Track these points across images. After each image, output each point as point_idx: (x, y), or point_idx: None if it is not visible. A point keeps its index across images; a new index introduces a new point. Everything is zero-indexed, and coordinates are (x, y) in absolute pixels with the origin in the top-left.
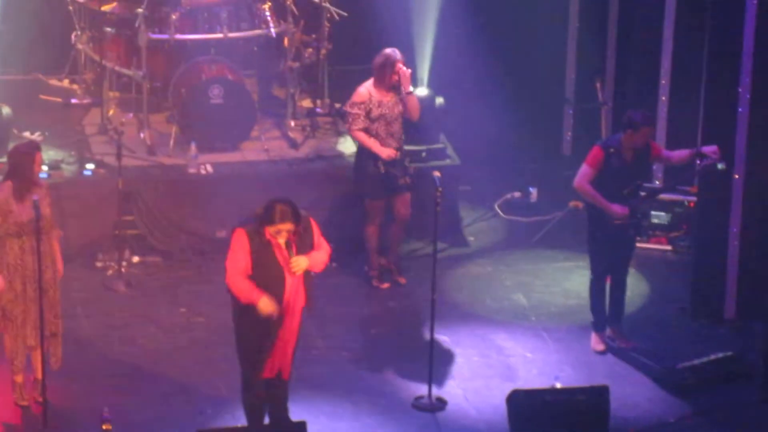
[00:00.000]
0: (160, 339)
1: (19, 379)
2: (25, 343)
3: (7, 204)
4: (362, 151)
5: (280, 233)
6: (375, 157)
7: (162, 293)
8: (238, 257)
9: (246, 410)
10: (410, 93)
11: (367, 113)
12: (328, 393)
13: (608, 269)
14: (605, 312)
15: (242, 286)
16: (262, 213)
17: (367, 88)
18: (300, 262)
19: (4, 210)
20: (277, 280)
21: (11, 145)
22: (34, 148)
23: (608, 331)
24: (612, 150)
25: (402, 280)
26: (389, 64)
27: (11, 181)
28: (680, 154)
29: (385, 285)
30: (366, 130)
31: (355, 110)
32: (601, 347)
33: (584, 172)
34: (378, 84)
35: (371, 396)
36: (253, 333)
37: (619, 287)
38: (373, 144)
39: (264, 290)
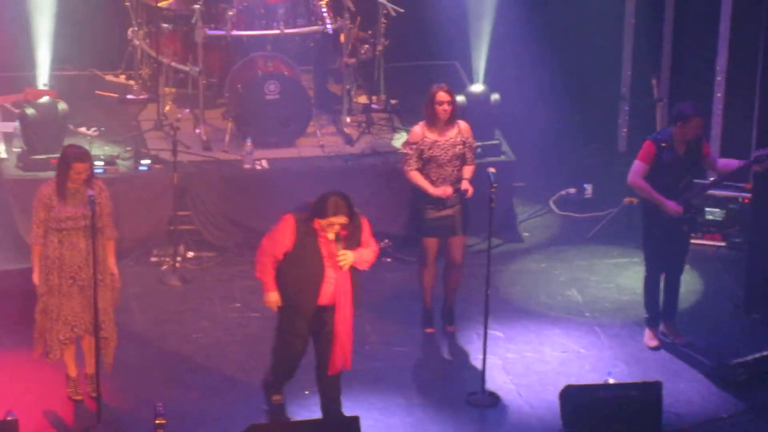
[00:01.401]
0: (214, 334)
1: (71, 373)
2: (57, 338)
3: (50, 199)
4: (416, 190)
5: (332, 226)
6: (428, 199)
7: (216, 288)
8: (277, 240)
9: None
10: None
11: (419, 154)
12: (381, 388)
13: (663, 265)
14: (659, 308)
15: (264, 269)
16: (316, 204)
17: (421, 127)
18: (347, 257)
19: (47, 204)
20: (316, 274)
21: (66, 141)
22: (76, 157)
23: (662, 327)
24: (664, 144)
25: (450, 329)
26: (429, 98)
27: (56, 179)
28: (728, 163)
29: (430, 330)
30: (420, 171)
31: (407, 150)
32: (654, 343)
33: (637, 167)
34: (429, 123)
35: (424, 391)
36: (290, 330)
37: (674, 284)
38: (425, 185)
39: (301, 282)
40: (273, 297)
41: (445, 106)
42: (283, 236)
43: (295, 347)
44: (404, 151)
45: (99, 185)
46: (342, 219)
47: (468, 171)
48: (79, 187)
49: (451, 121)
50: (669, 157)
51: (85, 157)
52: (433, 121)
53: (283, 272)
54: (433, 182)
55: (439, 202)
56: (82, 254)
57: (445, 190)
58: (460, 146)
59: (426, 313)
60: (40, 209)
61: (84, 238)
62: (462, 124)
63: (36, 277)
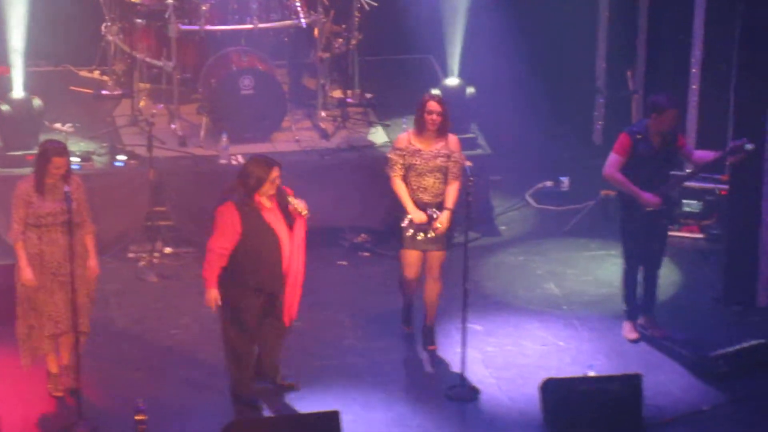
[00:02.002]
0: (193, 329)
1: (53, 369)
2: (43, 333)
3: (28, 195)
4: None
5: (274, 182)
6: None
7: (194, 283)
8: (227, 233)
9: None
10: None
11: (403, 161)
12: (362, 383)
13: (641, 258)
14: (637, 301)
15: (211, 268)
16: (246, 179)
17: (407, 134)
18: (299, 203)
19: (25, 201)
20: (274, 244)
21: (42, 137)
22: (55, 151)
23: (641, 320)
24: (639, 136)
25: (431, 348)
26: (419, 105)
27: (34, 174)
28: (704, 155)
29: (410, 329)
30: (404, 180)
31: (392, 155)
32: (633, 335)
33: (613, 160)
34: (417, 131)
35: (405, 386)
36: (245, 312)
37: (652, 277)
38: (405, 201)
39: (260, 258)
40: (213, 294)
41: (434, 117)
42: (231, 226)
43: (250, 326)
44: (389, 156)
45: (76, 180)
46: (277, 169)
47: (451, 192)
48: (57, 182)
49: (440, 133)
50: (644, 148)
51: (64, 151)
52: (420, 130)
53: (238, 259)
54: (413, 191)
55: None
56: (62, 250)
57: (420, 216)
58: (443, 158)
59: (406, 313)
60: (19, 206)
61: (63, 233)
62: (451, 138)
63: (27, 274)
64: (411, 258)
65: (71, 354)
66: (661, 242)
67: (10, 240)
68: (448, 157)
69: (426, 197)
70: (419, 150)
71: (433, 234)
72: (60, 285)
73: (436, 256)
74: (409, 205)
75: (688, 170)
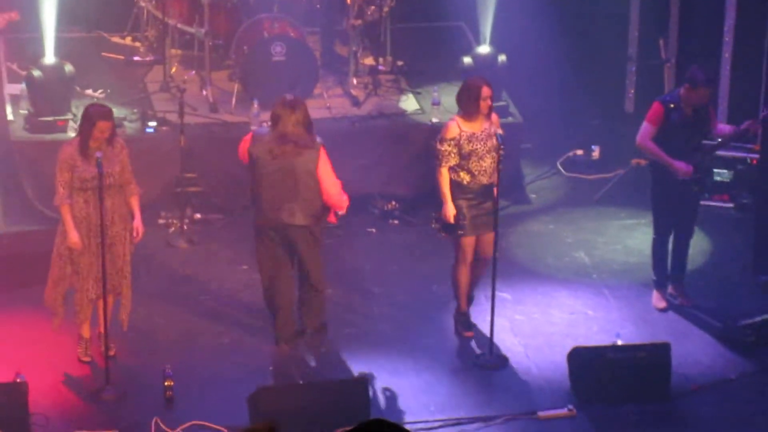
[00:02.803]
0: (222, 296)
1: (85, 333)
2: (88, 297)
3: (72, 159)
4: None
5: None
6: (463, 197)
7: (224, 250)
8: None
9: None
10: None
11: (459, 149)
12: (390, 350)
13: (671, 227)
14: (667, 270)
15: None
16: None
17: (456, 122)
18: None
19: (70, 165)
20: None
21: (74, 103)
22: (100, 115)
23: (670, 289)
24: (672, 105)
25: (468, 334)
26: (472, 92)
27: (79, 138)
28: (723, 129)
29: (469, 333)
30: (459, 166)
31: (445, 147)
32: (662, 304)
33: (645, 128)
34: (466, 116)
35: (433, 353)
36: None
37: (683, 246)
38: (446, 193)
39: None
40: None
41: (489, 101)
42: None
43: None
44: (441, 148)
45: (120, 143)
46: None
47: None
48: (101, 146)
49: (489, 115)
50: (677, 118)
51: (109, 115)
52: (472, 115)
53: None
54: (474, 176)
55: (479, 195)
56: (109, 213)
57: (449, 213)
58: (492, 139)
59: (461, 317)
60: (64, 170)
61: (109, 196)
62: (493, 117)
63: (73, 237)
64: (468, 244)
65: (108, 317)
66: (692, 211)
67: (56, 203)
68: (497, 135)
69: (485, 179)
70: (474, 134)
71: (491, 202)
72: (107, 246)
73: (489, 238)
74: (449, 200)
75: (719, 139)
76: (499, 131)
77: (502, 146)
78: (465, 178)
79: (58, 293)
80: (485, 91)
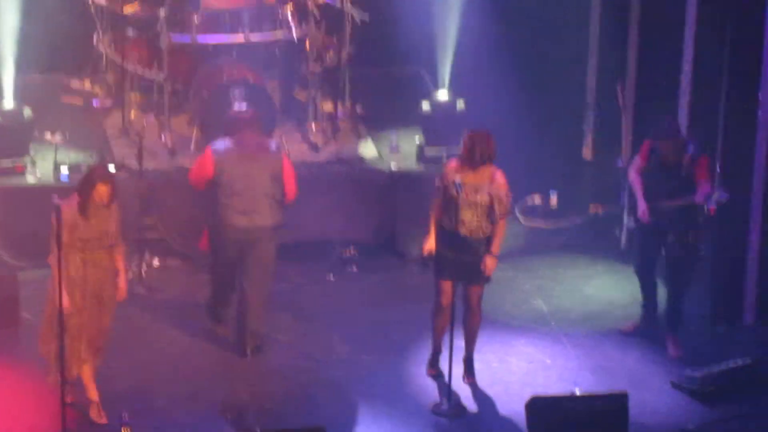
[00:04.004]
0: (181, 343)
1: (94, 397)
2: (80, 357)
3: (74, 220)
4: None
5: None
6: (445, 239)
7: (183, 296)
8: None
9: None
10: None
11: (445, 190)
12: (348, 397)
13: (642, 266)
14: (646, 302)
15: None
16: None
17: (453, 163)
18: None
19: (71, 225)
20: None
21: (32, 147)
22: (101, 177)
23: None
24: (657, 144)
25: (469, 380)
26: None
27: (78, 198)
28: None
29: (432, 372)
30: (443, 208)
31: (436, 181)
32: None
33: (634, 161)
34: (464, 162)
35: (390, 400)
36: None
37: (668, 294)
38: (430, 234)
39: None
40: None
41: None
42: None
43: None
44: (435, 183)
45: (114, 207)
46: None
47: (498, 231)
48: (100, 205)
49: (477, 163)
50: (655, 159)
51: (110, 178)
52: (464, 161)
53: None
54: (451, 223)
55: (457, 244)
56: (106, 272)
57: (426, 249)
58: (485, 195)
59: (434, 355)
60: (65, 231)
61: (107, 255)
62: (497, 176)
63: (65, 299)
64: (445, 287)
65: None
66: (669, 260)
67: (50, 263)
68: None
69: (463, 230)
70: (462, 183)
71: (480, 254)
72: (100, 306)
73: (475, 290)
74: (430, 234)
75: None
76: (501, 191)
77: (458, 192)
78: (445, 221)
79: (51, 349)
80: (465, 137)
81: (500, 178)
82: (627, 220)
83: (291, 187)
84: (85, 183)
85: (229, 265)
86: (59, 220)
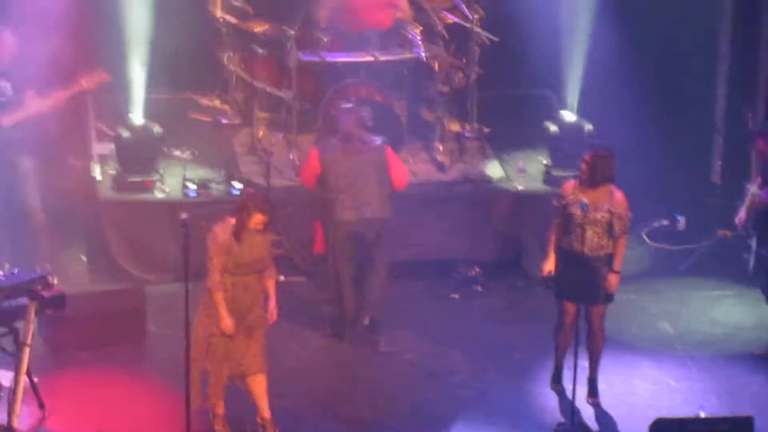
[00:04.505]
0: (304, 358)
1: (219, 410)
2: (222, 379)
3: (228, 244)
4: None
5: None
6: (565, 260)
7: (305, 313)
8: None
9: None
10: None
11: (563, 210)
12: (472, 415)
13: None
14: None
15: None
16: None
17: (573, 183)
18: None
19: (226, 249)
20: None
21: (162, 163)
22: (259, 208)
23: None
24: None
25: (593, 400)
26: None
27: (234, 223)
28: None
29: (559, 387)
30: (564, 229)
31: (554, 202)
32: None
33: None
34: (583, 182)
35: (514, 419)
36: None
37: None
38: (548, 249)
39: None
40: None
41: (584, 166)
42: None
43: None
44: (553, 202)
45: (267, 236)
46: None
47: (618, 248)
48: (254, 231)
49: (591, 183)
50: None
51: (268, 209)
52: (584, 182)
53: None
54: (571, 242)
55: (578, 263)
56: (253, 295)
57: (544, 270)
58: (606, 213)
59: (557, 371)
60: (220, 254)
61: (256, 279)
62: (617, 194)
63: (227, 323)
64: (567, 308)
65: (261, 393)
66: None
67: (209, 287)
68: (611, 212)
69: (584, 249)
70: (581, 201)
71: (601, 273)
72: (245, 330)
73: (597, 310)
74: (549, 255)
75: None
76: (620, 209)
77: (585, 213)
78: (563, 241)
79: (195, 371)
80: (587, 156)
81: (619, 195)
82: (754, 244)
83: (398, 175)
84: (241, 209)
85: (345, 265)
86: (216, 242)
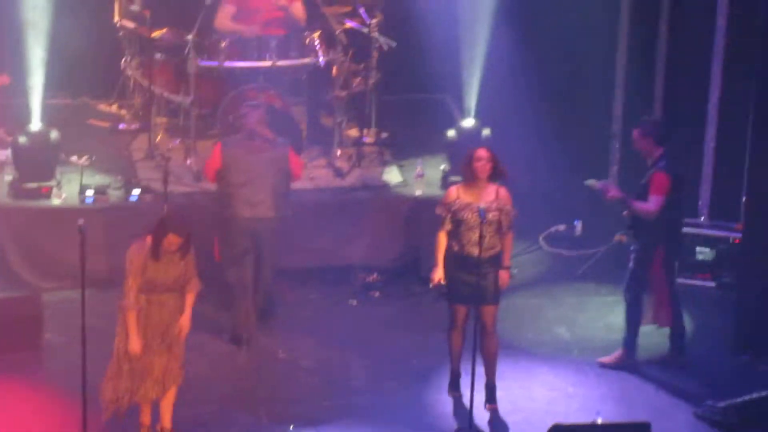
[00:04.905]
0: (199, 363)
1: (145, 420)
2: (147, 397)
3: (145, 263)
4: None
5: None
6: (457, 264)
7: (204, 320)
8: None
9: None
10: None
11: (452, 216)
12: (369, 423)
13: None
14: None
15: None
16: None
17: (456, 189)
18: None
19: (142, 268)
20: None
21: (59, 170)
22: (174, 228)
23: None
24: None
25: (490, 407)
26: (467, 155)
27: (151, 242)
28: None
29: (456, 394)
30: (452, 234)
31: (439, 210)
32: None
33: None
34: (465, 183)
35: (412, 427)
36: None
37: None
38: (437, 256)
39: None
40: None
41: (484, 163)
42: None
43: None
44: (437, 210)
45: (190, 255)
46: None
47: (507, 244)
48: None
49: (490, 179)
50: None
51: (183, 231)
52: (469, 180)
53: None
54: (462, 246)
55: (469, 267)
56: (171, 312)
57: (434, 278)
58: (496, 213)
59: (453, 377)
60: (137, 274)
61: (173, 297)
62: (501, 192)
63: (135, 344)
64: (459, 311)
65: (168, 404)
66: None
67: (124, 307)
68: (500, 210)
69: (476, 251)
70: (470, 204)
71: (492, 273)
72: (167, 347)
73: (489, 310)
74: (438, 264)
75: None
76: (506, 204)
77: (483, 220)
78: (454, 246)
79: (110, 388)
80: (479, 152)
81: (503, 191)
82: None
83: (297, 169)
84: (158, 227)
85: (240, 264)
86: (133, 262)
